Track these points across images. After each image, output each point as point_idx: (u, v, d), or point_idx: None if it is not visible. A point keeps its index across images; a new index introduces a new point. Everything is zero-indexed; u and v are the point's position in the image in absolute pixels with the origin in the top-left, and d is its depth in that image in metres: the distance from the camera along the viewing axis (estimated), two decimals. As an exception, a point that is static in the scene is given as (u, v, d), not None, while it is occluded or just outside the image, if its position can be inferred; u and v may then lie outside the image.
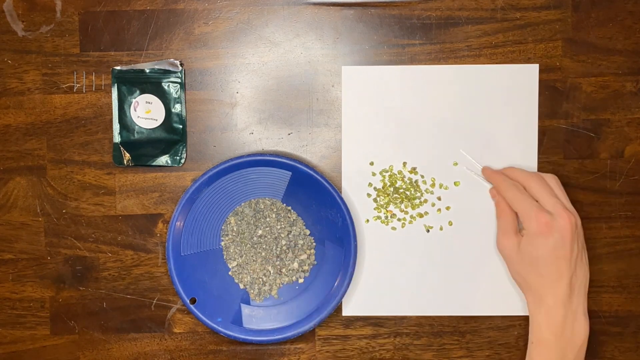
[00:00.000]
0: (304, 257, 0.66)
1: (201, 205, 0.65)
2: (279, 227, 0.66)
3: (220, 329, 0.64)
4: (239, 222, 0.66)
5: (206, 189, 0.64)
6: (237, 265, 0.66)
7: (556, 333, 0.59)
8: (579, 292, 0.60)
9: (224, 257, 0.66)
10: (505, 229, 0.62)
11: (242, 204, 0.66)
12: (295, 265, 0.66)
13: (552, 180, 0.61)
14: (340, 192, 0.66)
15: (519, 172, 0.62)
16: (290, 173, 0.65)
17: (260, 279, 0.66)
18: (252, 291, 0.66)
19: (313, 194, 0.65)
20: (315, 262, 0.66)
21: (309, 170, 0.64)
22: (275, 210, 0.66)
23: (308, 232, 0.66)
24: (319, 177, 0.64)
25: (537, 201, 0.60)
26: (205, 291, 0.65)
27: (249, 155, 0.64)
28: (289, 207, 0.66)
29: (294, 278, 0.66)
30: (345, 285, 0.64)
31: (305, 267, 0.66)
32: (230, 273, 0.66)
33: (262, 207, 0.66)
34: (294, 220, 0.66)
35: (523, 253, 0.60)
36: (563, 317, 0.59)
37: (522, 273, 0.61)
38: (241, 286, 0.66)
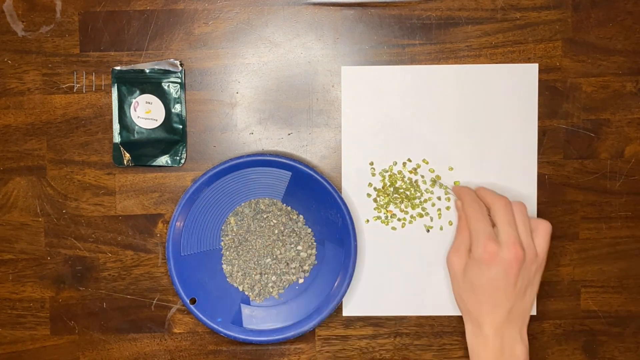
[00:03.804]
0: (304, 257, 0.66)
1: (201, 206, 0.65)
2: (279, 227, 0.66)
3: (220, 329, 0.64)
4: (239, 222, 0.66)
5: (206, 189, 0.64)
6: (237, 265, 0.66)
7: None
8: (517, 321, 0.58)
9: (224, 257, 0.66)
10: (458, 246, 0.61)
11: (242, 204, 0.66)
12: (296, 265, 0.66)
13: (518, 208, 0.59)
14: (340, 192, 0.66)
15: (487, 193, 0.61)
16: (290, 173, 0.65)
17: (260, 280, 0.66)
18: (252, 291, 0.66)
19: (313, 194, 0.65)
20: (316, 262, 0.66)
21: (309, 171, 0.64)
22: (275, 210, 0.66)
23: (310, 230, 0.66)
24: (319, 177, 0.64)
25: (494, 226, 0.59)
26: (205, 291, 0.65)
27: (249, 156, 0.64)
28: (289, 207, 0.66)
29: (294, 278, 0.66)
30: (345, 285, 0.64)
31: (306, 267, 0.66)
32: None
33: (262, 207, 0.66)
34: (294, 220, 0.66)
35: (466, 275, 0.59)
36: (500, 348, 0.58)
37: (463, 296, 0.60)
38: (241, 287, 0.66)
